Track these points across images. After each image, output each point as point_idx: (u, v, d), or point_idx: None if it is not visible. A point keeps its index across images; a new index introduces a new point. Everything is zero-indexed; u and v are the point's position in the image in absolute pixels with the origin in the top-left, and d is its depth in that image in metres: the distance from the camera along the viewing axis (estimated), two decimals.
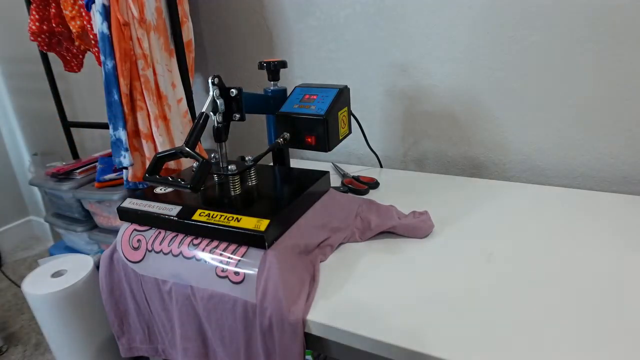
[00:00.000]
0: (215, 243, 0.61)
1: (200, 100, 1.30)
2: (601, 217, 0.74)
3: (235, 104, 0.70)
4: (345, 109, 0.77)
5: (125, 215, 0.69)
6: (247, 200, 0.67)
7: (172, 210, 0.65)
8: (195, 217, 0.63)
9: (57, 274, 1.05)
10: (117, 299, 0.72)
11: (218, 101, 0.67)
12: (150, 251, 0.65)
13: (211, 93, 0.66)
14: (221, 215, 0.62)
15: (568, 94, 0.88)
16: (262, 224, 0.58)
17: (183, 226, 0.64)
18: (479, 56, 0.93)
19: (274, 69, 0.78)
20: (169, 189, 0.72)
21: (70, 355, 1.06)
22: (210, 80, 0.66)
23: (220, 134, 0.69)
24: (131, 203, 0.69)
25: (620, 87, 0.83)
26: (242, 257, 0.58)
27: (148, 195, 0.70)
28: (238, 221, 0.60)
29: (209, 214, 0.62)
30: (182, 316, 0.63)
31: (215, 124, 0.69)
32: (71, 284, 1.00)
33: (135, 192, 1.06)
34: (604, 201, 0.80)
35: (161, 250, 0.64)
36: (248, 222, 0.60)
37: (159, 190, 0.72)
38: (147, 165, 1.10)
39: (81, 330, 1.04)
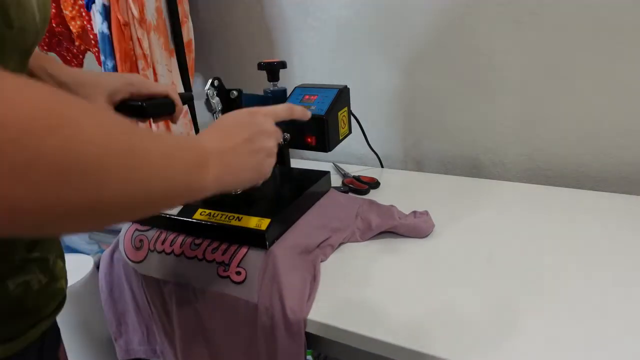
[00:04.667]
0: (216, 243, 0.61)
1: (200, 100, 1.30)
2: (601, 217, 0.74)
3: (236, 106, 0.69)
4: (345, 108, 0.77)
5: None
6: (248, 199, 0.67)
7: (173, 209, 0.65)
8: (196, 216, 0.63)
9: None
10: (116, 298, 0.72)
11: (213, 100, 0.67)
12: (152, 251, 0.65)
13: (206, 90, 0.66)
14: (222, 215, 0.62)
15: (568, 95, 0.88)
16: (263, 223, 0.59)
17: (184, 225, 0.64)
18: (479, 56, 0.93)
19: (273, 70, 0.78)
20: None
21: (70, 355, 1.06)
22: (209, 82, 0.66)
23: None
24: None
25: (621, 87, 0.83)
26: (243, 257, 0.58)
27: None
28: (239, 220, 0.60)
29: (210, 213, 0.62)
30: (183, 316, 0.63)
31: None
32: (71, 284, 1.00)
33: None
34: (604, 201, 0.80)
35: (163, 250, 0.64)
36: (249, 222, 0.60)
37: None
38: None
39: (81, 330, 1.04)
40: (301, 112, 0.56)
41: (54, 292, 0.43)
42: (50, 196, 0.23)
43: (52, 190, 0.23)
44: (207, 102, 0.67)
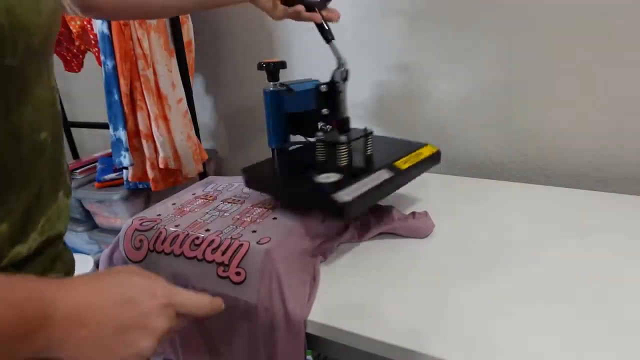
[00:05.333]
0: (217, 243, 0.61)
1: (200, 100, 1.30)
2: (602, 217, 0.74)
3: (325, 100, 0.70)
4: None
5: (355, 207, 0.60)
6: (384, 156, 0.72)
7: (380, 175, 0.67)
8: (399, 165, 0.70)
9: None
10: None
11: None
12: (152, 251, 0.65)
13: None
14: (405, 161, 0.71)
15: (567, 95, 0.88)
16: (434, 149, 0.78)
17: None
18: (479, 56, 0.93)
19: (273, 70, 0.78)
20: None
21: None
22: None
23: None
24: (348, 194, 0.60)
25: (621, 87, 0.83)
26: (243, 257, 0.58)
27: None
28: (420, 155, 0.74)
29: (406, 159, 0.72)
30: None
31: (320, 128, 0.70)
32: None
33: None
34: (605, 201, 0.80)
35: (162, 250, 0.64)
36: (425, 151, 0.76)
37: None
38: (147, 165, 1.10)
39: None
40: (218, 307, 0.44)
41: None
42: None
43: None
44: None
